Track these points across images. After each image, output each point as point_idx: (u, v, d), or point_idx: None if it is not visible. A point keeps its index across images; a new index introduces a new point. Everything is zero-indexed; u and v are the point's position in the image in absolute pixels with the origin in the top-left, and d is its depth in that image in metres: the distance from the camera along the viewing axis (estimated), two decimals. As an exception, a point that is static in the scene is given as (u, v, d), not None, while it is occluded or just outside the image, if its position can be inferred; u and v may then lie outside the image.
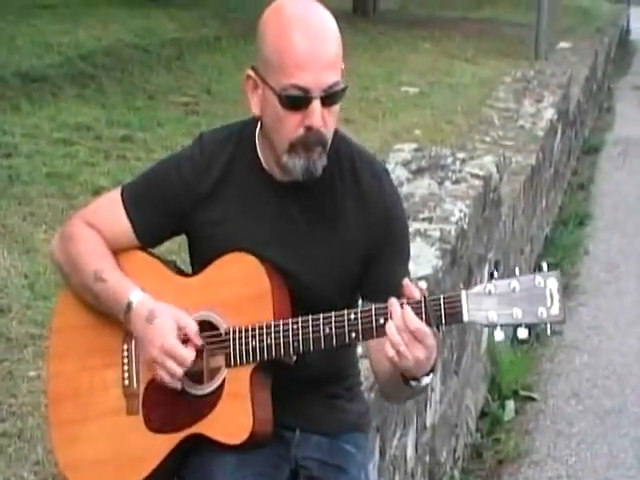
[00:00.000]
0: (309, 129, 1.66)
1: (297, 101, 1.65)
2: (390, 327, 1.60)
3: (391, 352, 1.60)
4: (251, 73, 1.70)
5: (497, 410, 4.05)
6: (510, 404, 4.10)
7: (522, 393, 4.23)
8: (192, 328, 1.72)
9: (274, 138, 1.71)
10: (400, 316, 1.59)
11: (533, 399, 4.23)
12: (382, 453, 2.41)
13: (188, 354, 1.70)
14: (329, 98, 1.66)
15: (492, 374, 4.25)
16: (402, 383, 1.67)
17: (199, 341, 1.72)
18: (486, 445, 3.84)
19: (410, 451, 2.79)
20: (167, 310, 1.73)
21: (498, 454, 3.77)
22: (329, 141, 1.71)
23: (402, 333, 1.59)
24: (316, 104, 1.64)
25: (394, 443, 2.55)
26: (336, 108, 1.69)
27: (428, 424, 3.03)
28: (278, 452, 1.79)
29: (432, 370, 1.67)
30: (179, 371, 1.70)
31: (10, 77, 6.35)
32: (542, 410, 4.15)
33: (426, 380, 1.67)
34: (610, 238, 6.41)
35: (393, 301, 1.61)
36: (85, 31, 8.43)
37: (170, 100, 6.28)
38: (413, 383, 1.67)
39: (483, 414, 4.05)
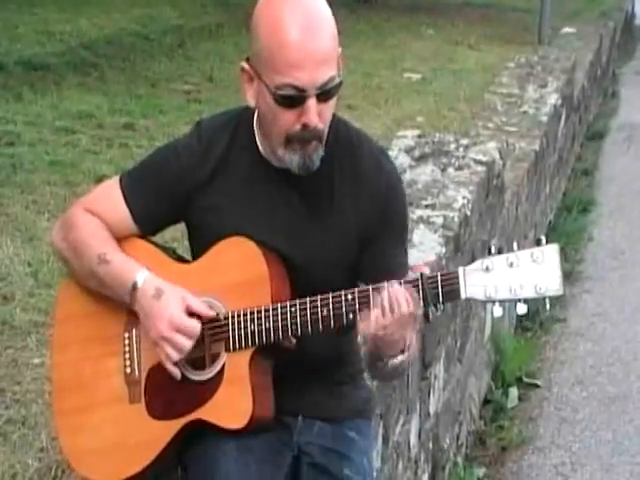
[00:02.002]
0: (305, 126, 1.65)
1: (292, 100, 1.63)
2: (377, 306, 1.60)
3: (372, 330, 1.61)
4: (245, 66, 1.69)
5: (500, 397, 4.05)
6: (514, 391, 4.10)
7: (526, 380, 4.23)
8: (199, 304, 1.72)
9: (270, 131, 1.70)
10: (387, 299, 1.60)
11: (537, 386, 4.22)
12: (385, 440, 2.41)
13: (196, 326, 1.70)
14: (325, 94, 1.64)
15: (495, 361, 4.24)
16: (375, 359, 1.69)
17: (209, 312, 1.71)
18: (489, 432, 3.84)
19: (413, 438, 2.79)
20: (174, 287, 1.73)
21: (502, 441, 3.77)
22: (325, 133, 1.70)
23: (386, 317, 1.59)
24: (312, 102, 1.63)
25: (397, 430, 2.55)
26: (333, 100, 1.68)
27: (431, 411, 3.03)
28: (280, 438, 1.79)
29: (407, 349, 1.67)
30: (188, 344, 1.69)
31: (12, 65, 6.34)
32: (546, 397, 4.15)
33: (400, 358, 1.67)
34: (615, 224, 6.38)
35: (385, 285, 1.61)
36: (87, 19, 8.42)
37: (172, 88, 6.27)
38: (384, 361, 1.67)
39: (486, 401, 4.05)
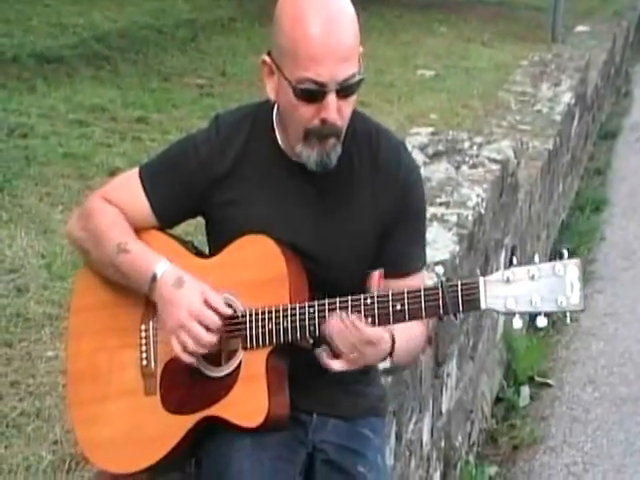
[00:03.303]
0: (324, 121, 1.64)
1: (312, 94, 1.63)
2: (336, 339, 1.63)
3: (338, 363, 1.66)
4: (267, 59, 1.68)
5: (512, 396, 4.03)
6: (525, 390, 4.09)
7: (537, 379, 4.21)
8: (218, 300, 1.71)
9: (289, 124, 1.70)
10: (344, 329, 1.62)
11: (549, 385, 4.20)
12: (398, 438, 2.40)
13: (215, 319, 1.69)
14: (345, 90, 1.64)
15: (508, 360, 4.23)
16: None
17: (227, 310, 1.70)
18: (501, 431, 3.83)
19: (426, 436, 2.78)
20: (194, 280, 1.72)
21: (513, 440, 3.76)
22: (344, 131, 1.69)
23: (350, 345, 1.62)
24: (331, 97, 1.62)
25: (410, 428, 2.54)
26: (353, 97, 1.67)
27: (444, 409, 3.02)
28: (295, 435, 1.79)
29: (390, 354, 1.69)
30: (205, 336, 1.68)
31: (26, 58, 6.36)
32: (558, 396, 4.13)
33: (383, 365, 1.71)
34: (627, 224, 6.34)
35: (338, 313, 1.64)
36: (100, 12, 8.43)
37: (185, 82, 6.27)
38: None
39: (498, 400, 4.04)
